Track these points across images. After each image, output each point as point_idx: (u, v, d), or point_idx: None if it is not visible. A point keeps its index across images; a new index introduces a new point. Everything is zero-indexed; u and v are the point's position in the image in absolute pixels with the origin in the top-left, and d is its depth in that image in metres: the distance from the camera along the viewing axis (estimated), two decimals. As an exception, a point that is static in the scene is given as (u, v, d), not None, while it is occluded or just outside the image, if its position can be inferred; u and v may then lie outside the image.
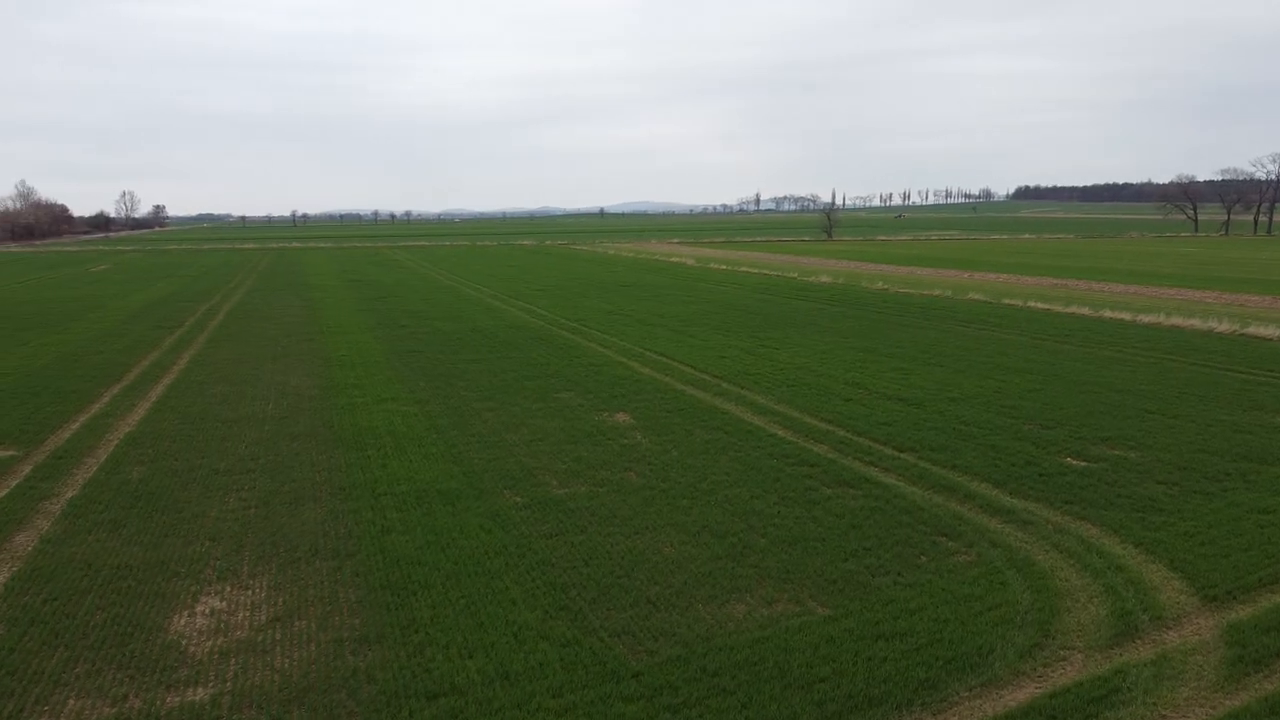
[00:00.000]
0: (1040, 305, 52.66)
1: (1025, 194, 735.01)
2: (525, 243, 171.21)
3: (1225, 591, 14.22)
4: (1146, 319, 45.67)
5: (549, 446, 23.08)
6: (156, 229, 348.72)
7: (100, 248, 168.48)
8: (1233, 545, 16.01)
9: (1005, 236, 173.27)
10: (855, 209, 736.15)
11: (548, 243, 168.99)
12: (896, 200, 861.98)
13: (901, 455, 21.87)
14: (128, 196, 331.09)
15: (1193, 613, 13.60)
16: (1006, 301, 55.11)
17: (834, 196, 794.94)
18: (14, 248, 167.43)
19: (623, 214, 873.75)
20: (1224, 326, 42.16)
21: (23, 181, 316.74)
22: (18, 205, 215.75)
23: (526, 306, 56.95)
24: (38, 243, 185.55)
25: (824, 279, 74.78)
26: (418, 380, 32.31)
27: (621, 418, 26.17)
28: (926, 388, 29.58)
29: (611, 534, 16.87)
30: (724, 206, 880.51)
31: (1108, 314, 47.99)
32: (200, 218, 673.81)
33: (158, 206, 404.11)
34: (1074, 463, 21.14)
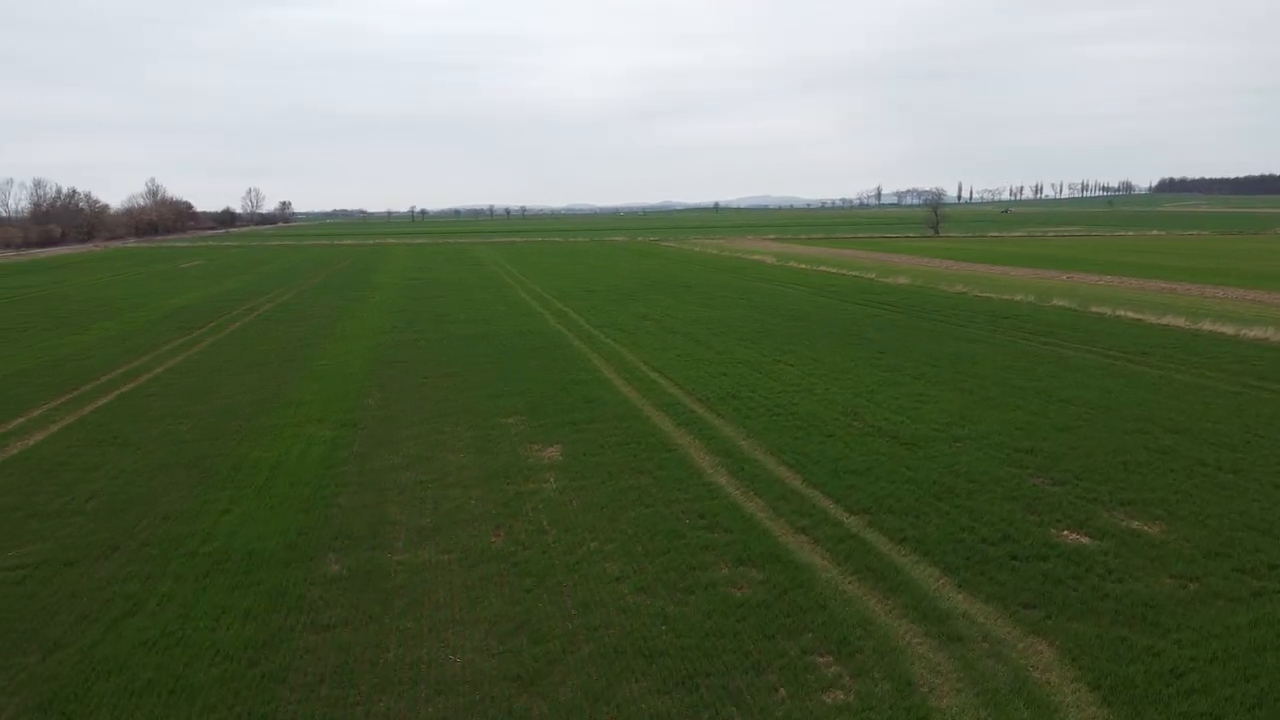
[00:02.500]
0: (1130, 314, 46.08)
1: (1169, 186, 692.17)
2: (617, 239, 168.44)
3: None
4: (1251, 334, 38.89)
5: (434, 490, 19.56)
6: (281, 224, 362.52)
7: (209, 243, 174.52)
8: (1234, 698, 11.11)
9: (1130, 233, 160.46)
10: (982, 203, 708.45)
11: (639, 239, 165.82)
12: (1027, 194, 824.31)
13: (848, 519, 17.40)
14: (253, 193, 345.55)
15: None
16: (1093, 309, 48.63)
17: (959, 190, 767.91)
18: (132, 243, 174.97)
19: (739, 209, 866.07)
20: (1345, 345, 35.29)
21: (152, 179, 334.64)
22: (143, 203, 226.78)
23: (561, 309, 53.71)
24: (157, 238, 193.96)
25: (901, 280, 68.91)
26: (370, 396, 29.32)
27: (551, 452, 22.42)
28: (935, 421, 24.71)
29: (401, 629, 13.20)
30: (843, 200, 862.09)
31: (1206, 326, 41.25)
32: (333, 213, 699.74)
33: (284, 203, 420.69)
34: (1069, 538, 16.27)
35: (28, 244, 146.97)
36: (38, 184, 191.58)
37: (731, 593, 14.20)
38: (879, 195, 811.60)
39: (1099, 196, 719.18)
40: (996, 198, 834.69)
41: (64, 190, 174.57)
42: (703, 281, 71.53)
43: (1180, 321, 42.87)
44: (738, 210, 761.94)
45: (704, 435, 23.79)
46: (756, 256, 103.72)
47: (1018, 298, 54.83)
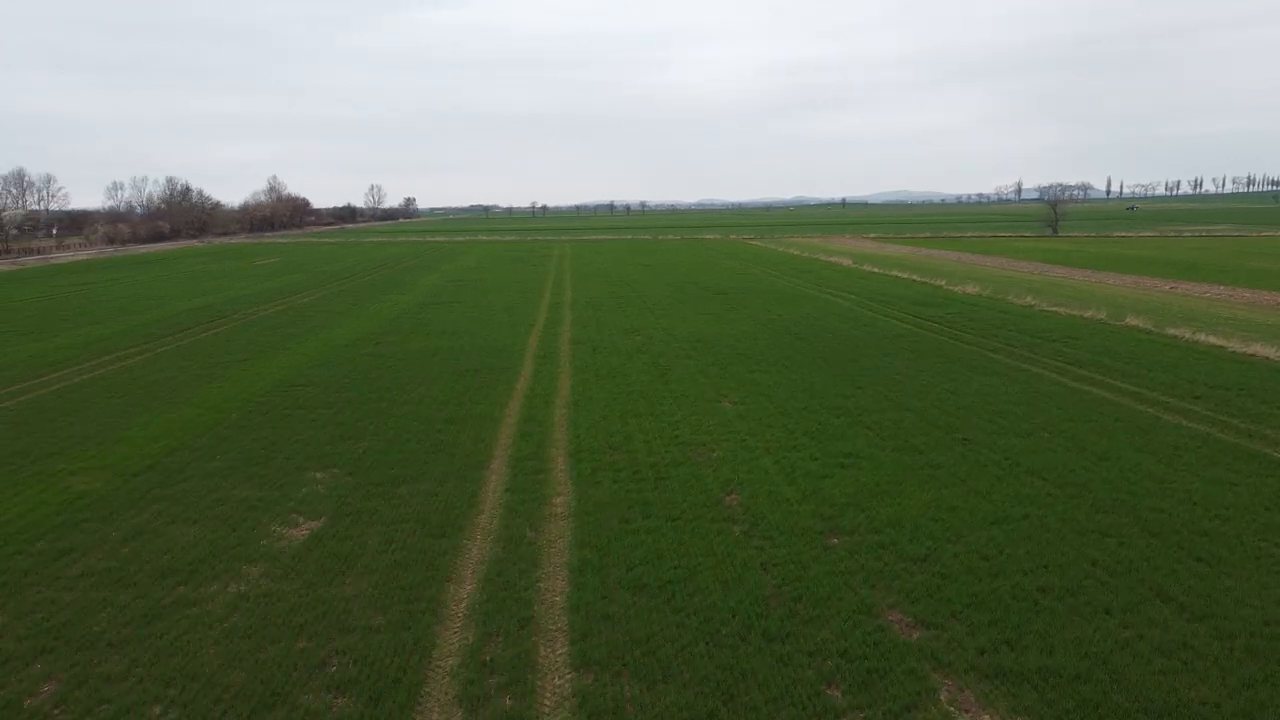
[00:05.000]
0: (1212, 340, 37.76)
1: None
2: (708, 237, 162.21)
3: None
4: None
5: (48, 594, 14.95)
6: (402, 220, 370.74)
7: (309, 239, 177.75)
8: None
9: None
10: (1135, 197, 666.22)
11: (731, 237, 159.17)
12: (1185, 189, 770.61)
13: (569, 678, 11.83)
14: (375, 189, 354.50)
15: None
16: (1169, 331, 40.42)
17: (1108, 184, 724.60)
18: (240, 238, 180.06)
19: (870, 204, 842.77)
20: None
21: (274, 176, 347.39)
22: (263, 199, 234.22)
23: (560, 318, 48.92)
24: (267, 234, 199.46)
25: (970, 289, 60.98)
26: (210, 435, 25.12)
27: (303, 530, 17.54)
28: (835, 499, 18.62)
29: None
30: (980, 196, 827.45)
31: (1298, 360, 32.97)
32: (456, 209, 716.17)
33: (408, 199, 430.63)
34: (855, 748, 10.30)
35: (136, 239, 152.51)
36: (170, 181, 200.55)
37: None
38: (1019, 190, 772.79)
39: (1266, 191, 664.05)
40: (1150, 193, 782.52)
41: (179, 187, 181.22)
42: (746, 288, 65.32)
43: (1270, 353, 34.53)
44: (865, 206, 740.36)
45: (517, 509, 18.44)
46: (836, 258, 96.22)
47: (1088, 314, 46.70)
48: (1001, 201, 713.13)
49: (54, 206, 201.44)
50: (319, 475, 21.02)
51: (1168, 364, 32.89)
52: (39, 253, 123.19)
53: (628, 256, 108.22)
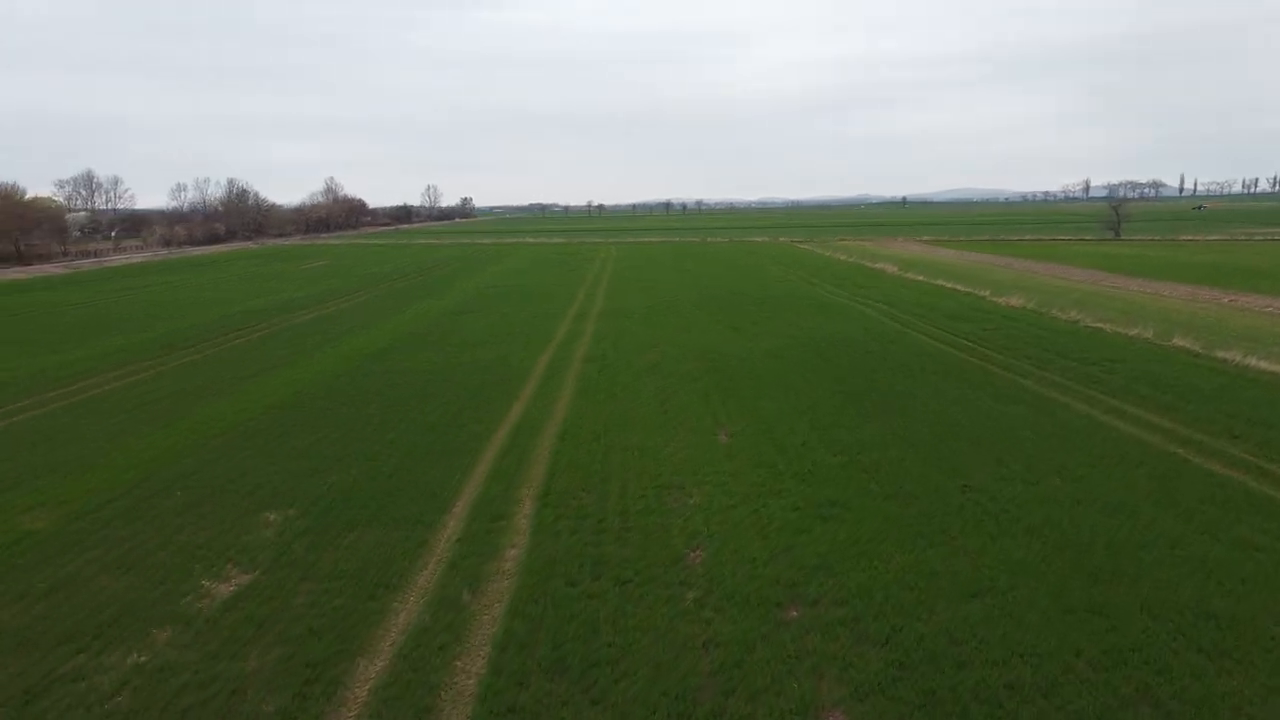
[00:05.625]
0: (1264, 366, 35.15)
1: None
2: (757, 239, 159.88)
3: None
4: None
5: (-20, 655, 14.14)
6: (458, 220, 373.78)
7: (361, 240, 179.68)
8: None
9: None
10: (1209, 195, 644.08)
11: (780, 239, 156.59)
12: (1264, 185, 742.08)
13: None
14: (431, 189, 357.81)
15: None
16: (1219, 354, 37.79)
17: (1181, 182, 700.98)
18: (295, 240, 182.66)
19: (931, 203, 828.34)
20: None
21: (331, 178, 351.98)
22: (320, 199, 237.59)
23: (596, 329, 47.79)
24: (322, 235, 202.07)
25: (1014, 301, 58.32)
26: (135, 472, 24.45)
27: (228, 583, 16.59)
28: (790, 567, 17.08)
29: None
30: (1045, 194, 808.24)
31: (1357, 391, 30.32)
32: (514, 208, 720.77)
33: (465, 199, 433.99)
34: None
35: (191, 241, 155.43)
36: (231, 183, 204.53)
37: None
38: (1087, 189, 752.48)
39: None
40: (1225, 190, 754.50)
41: (236, 190, 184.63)
42: (782, 296, 63.49)
43: (1325, 380, 31.90)
44: (927, 205, 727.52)
45: (461, 565, 17.26)
46: (881, 264, 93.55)
47: (1133, 331, 44.08)
48: (1068, 200, 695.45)
49: (120, 206, 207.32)
50: (272, 517, 20.10)
51: (1210, 393, 30.52)
52: (96, 255, 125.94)
53: (670, 260, 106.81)
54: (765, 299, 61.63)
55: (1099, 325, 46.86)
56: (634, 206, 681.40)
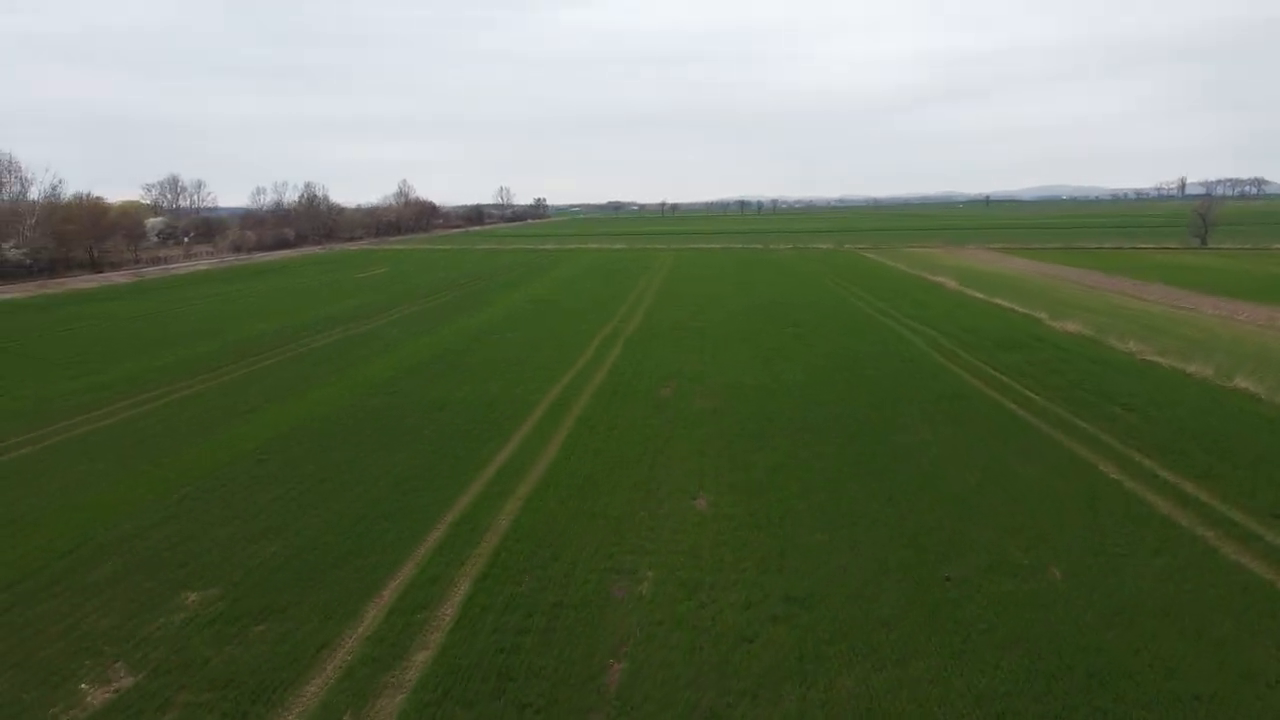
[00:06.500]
0: (1332, 416, 31.68)
1: None
2: (822, 245, 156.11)
3: None
4: None
5: None
6: (530, 221, 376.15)
7: (428, 245, 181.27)
8: None
9: None
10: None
11: (846, 246, 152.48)
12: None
13: None
14: (504, 190, 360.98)
15: None
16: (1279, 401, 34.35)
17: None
18: (365, 243, 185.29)
19: (1018, 201, 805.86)
20: None
21: (404, 181, 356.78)
22: (392, 202, 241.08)
23: (622, 354, 46.21)
24: (391, 239, 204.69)
25: (1071, 325, 54.81)
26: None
27: (105, 690, 15.38)
28: (689, 689, 15.12)
29: None
30: (1137, 193, 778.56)
31: None
32: (587, 208, 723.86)
33: (539, 199, 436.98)
34: None
35: (261, 247, 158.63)
36: (307, 186, 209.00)
37: None
38: (1183, 187, 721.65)
39: None
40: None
41: (307, 194, 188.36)
42: (827, 315, 60.97)
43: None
44: (1012, 203, 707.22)
45: (359, 672, 15.75)
46: (941, 278, 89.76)
47: (1192, 368, 40.56)
48: (1163, 198, 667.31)
49: (204, 206, 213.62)
50: (192, 598, 18.91)
51: (1264, 454, 27.39)
52: (165, 262, 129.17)
53: (726, 272, 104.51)
54: (809, 321, 59.14)
55: (1156, 359, 43.35)
56: (709, 205, 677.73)
